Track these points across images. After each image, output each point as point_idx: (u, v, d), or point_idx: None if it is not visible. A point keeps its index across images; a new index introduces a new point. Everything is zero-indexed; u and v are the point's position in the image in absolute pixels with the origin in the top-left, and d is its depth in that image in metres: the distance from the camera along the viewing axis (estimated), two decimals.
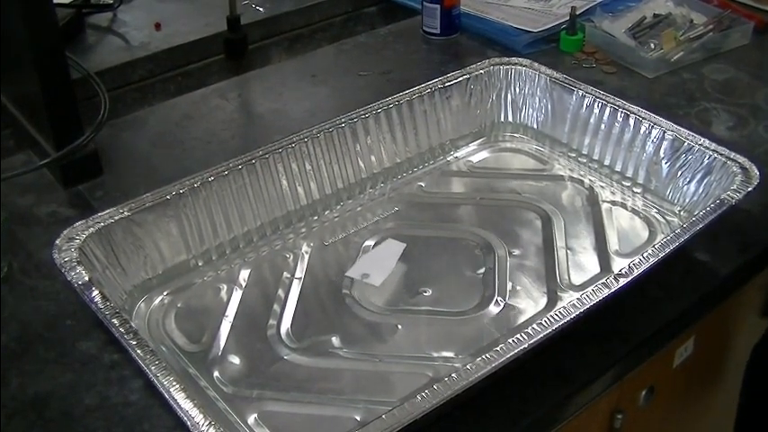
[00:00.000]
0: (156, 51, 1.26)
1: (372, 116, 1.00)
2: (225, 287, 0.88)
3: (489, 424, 0.72)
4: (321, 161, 0.97)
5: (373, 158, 1.01)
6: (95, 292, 0.76)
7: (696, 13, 1.31)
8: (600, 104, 1.02)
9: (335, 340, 0.82)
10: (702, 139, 0.95)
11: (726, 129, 1.09)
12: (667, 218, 0.96)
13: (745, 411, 1.14)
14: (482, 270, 0.90)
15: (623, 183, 1.01)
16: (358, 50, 1.30)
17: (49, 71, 0.93)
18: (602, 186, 1.02)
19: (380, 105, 1.01)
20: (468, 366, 0.67)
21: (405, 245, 0.94)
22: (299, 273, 0.90)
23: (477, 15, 1.35)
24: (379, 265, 0.92)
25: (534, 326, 0.71)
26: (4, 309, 0.82)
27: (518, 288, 0.88)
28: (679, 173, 0.96)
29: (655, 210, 0.98)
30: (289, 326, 0.83)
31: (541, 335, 0.71)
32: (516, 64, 1.10)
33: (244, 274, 0.90)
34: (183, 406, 0.65)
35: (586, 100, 1.03)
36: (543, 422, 0.76)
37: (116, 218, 0.85)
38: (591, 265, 0.91)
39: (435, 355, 0.80)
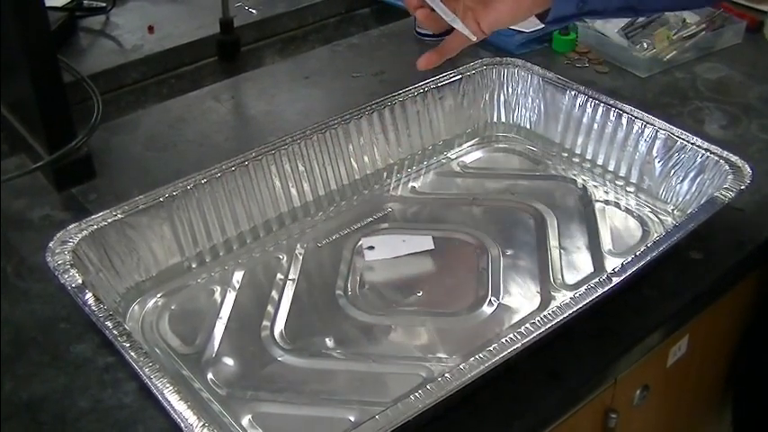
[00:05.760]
0: (148, 54, 1.26)
1: (365, 117, 1.00)
2: (218, 289, 0.88)
3: (483, 424, 0.72)
4: (314, 162, 0.97)
5: (366, 159, 1.01)
6: (89, 295, 0.75)
7: (688, 13, 1.31)
8: (593, 104, 1.02)
9: (329, 341, 0.82)
10: (695, 138, 0.95)
11: (719, 127, 1.09)
12: (660, 217, 0.96)
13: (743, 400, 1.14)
14: (475, 270, 0.90)
15: (616, 182, 1.02)
16: (351, 52, 1.30)
17: (42, 75, 0.92)
18: (595, 186, 1.02)
19: (373, 106, 1.01)
20: (461, 366, 0.67)
21: (433, 247, 0.93)
22: (293, 274, 0.90)
23: None
24: (390, 246, 0.92)
25: (528, 325, 0.72)
26: None
27: (511, 288, 0.88)
28: (672, 172, 0.96)
29: (648, 209, 0.98)
30: (282, 327, 0.83)
31: (535, 334, 0.71)
32: (509, 64, 1.10)
33: (237, 276, 0.90)
34: (176, 408, 0.65)
35: (579, 99, 1.04)
36: (537, 422, 0.76)
37: (109, 220, 0.84)
38: (584, 264, 0.91)
39: (429, 355, 0.80)
